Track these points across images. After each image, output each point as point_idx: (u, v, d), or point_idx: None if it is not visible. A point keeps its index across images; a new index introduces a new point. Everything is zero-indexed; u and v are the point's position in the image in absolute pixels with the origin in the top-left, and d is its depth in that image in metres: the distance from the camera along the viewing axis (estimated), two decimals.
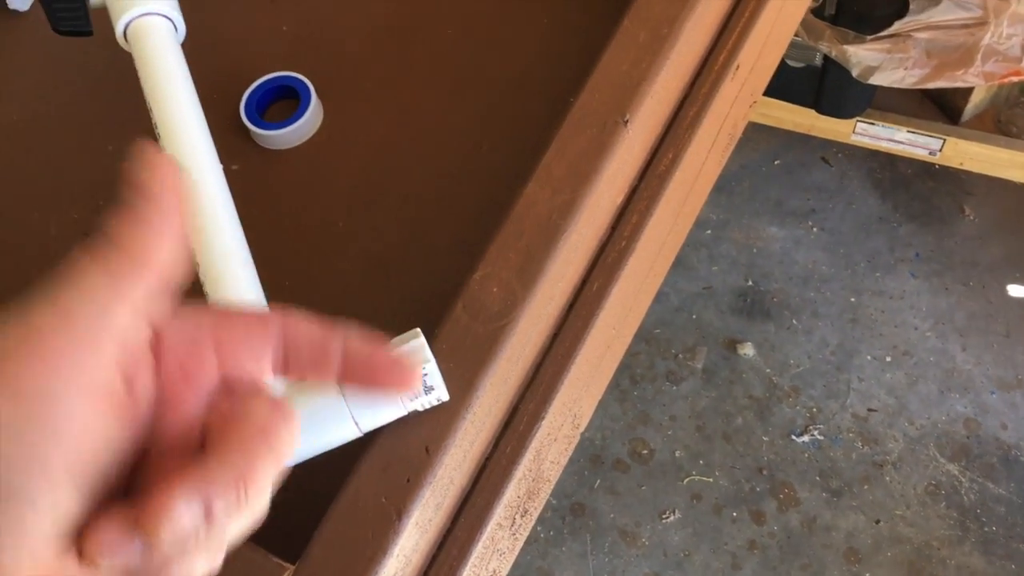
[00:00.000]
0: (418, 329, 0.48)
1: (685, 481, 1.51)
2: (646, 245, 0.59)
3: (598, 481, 1.53)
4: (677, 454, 1.53)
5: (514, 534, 0.55)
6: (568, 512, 1.50)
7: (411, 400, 0.46)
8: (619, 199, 0.58)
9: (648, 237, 0.58)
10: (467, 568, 0.50)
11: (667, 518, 1.49)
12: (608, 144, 0.54)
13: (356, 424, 0.46)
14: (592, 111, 0.55)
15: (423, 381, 0.46)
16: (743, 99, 0.66)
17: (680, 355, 1.61)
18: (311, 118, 0.68)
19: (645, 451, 1.54)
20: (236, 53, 0.73)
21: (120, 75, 0.73)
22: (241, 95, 0.69)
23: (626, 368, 1.58)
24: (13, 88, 0.75)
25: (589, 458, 1.54)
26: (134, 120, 0.71)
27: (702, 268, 1.68)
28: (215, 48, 0.73)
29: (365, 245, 0.64)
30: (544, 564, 1.47)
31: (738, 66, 0.62)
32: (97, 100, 0.73)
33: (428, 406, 0.47)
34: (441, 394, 0.47)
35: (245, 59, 0.73)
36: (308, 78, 0.69)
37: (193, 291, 0.57)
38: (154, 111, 0.57)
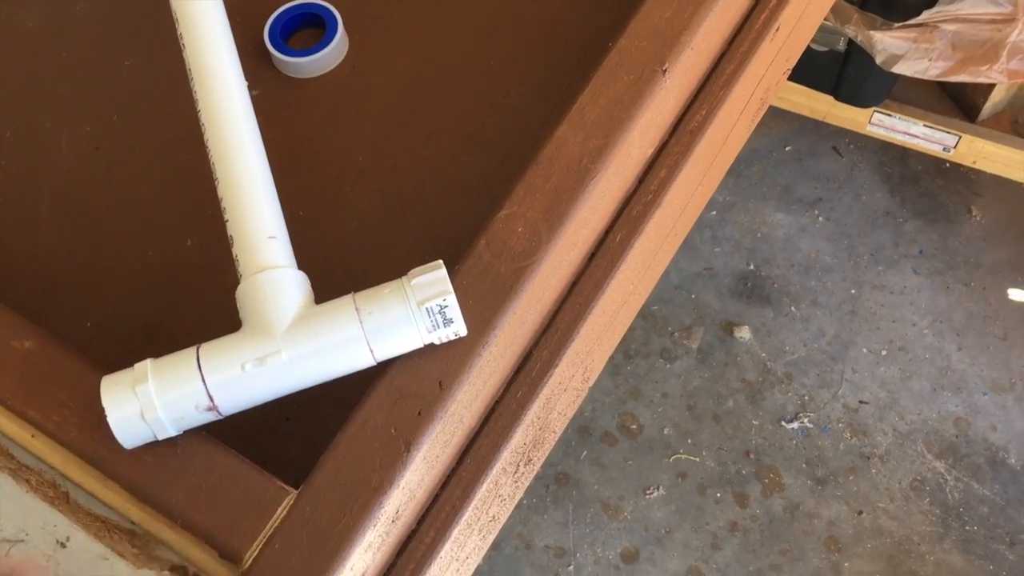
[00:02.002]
0: (440, 261, 0.47)
1: (671, 459, 1.51)
2: (672, 201, 0.58)
3: (585, 452, 1.52)
4: (666, 431, 1.53)
5: (516, 481, 0.55)
6: (552, 481, 1.50)
7: (430, 332, 0.45)
8: (649, 151, 0.56)
9: (674, 193, 0.57)
10: (469, 509, 0.49)
11: (651, 494, 1.49)
12: (644, 92, 0.53)
13: (371, 352, 0.45)
14: (630, 57, 0.54)
15: (443, 314, 0.45)
16: (779, 63, 0.65)
17: (676, 333, 1.60)
18: (336, 48, 0.67)
19: (634, 426, 1.54)
20: None
21: None
22: (266, 19, 0.67)
23: (621, 342, 1.57)
24: None
25: (577, 429, 1.53)
26: (153, 35, 0.69)
27: (704, 248, 1.67)
28: None
29: (384, 180, 0.62)
30: (524, 530, 1.47)
31: (778, 28, 0.61)
32: (116, 13, 0.71)
33: (445, 339, 0.46)
34: (459, 328, 0.46)
35: None
36: (335, 7, 0.68)
37: (212, 211, 0.56)
38: (181, 24, 0.56)
